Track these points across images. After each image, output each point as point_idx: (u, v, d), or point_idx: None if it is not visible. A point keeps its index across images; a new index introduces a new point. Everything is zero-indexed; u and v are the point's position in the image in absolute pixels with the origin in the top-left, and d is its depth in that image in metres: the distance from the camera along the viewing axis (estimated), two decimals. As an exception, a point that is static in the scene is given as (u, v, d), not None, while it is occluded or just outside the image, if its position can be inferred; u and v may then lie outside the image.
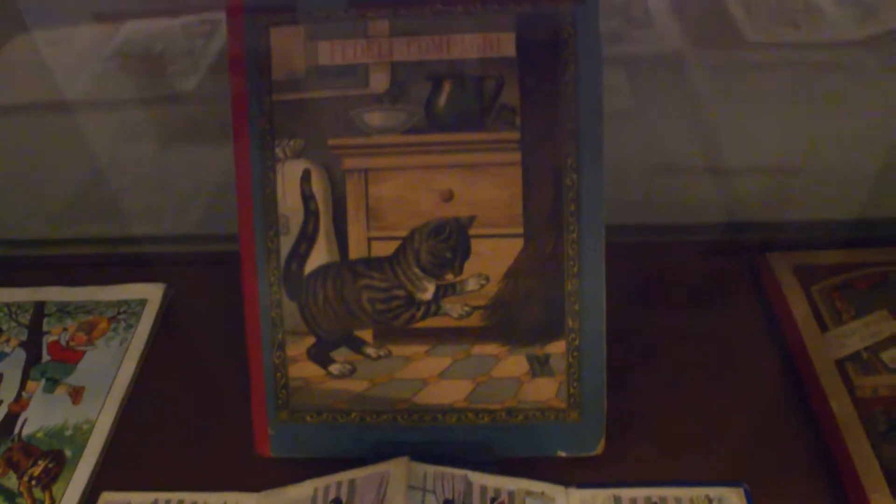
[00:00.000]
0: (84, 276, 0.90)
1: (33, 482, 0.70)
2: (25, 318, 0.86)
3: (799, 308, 0.76)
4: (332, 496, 0.63)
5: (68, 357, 0.82)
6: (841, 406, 0.68)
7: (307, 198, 0.66)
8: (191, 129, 0.96)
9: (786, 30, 0.84)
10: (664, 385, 0.73)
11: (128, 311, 0.85)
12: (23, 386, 0.79)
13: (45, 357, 0.82)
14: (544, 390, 0.66)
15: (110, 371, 0.80)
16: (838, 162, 0.90)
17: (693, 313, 0.80)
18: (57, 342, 0.83)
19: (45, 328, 0.85)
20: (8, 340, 0.84)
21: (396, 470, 0.63)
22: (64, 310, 0.87)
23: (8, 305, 0.88)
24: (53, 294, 0.89)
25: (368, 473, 0.64)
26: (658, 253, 0.87)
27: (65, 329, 0.84)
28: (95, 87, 0.93)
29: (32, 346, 0.83)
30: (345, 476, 0.64)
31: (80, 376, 0.79)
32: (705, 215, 0.93)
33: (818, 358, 0.72)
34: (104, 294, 0.88)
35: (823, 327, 0.75)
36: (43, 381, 0.79)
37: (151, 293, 0.87)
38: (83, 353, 0.82)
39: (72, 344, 0.83)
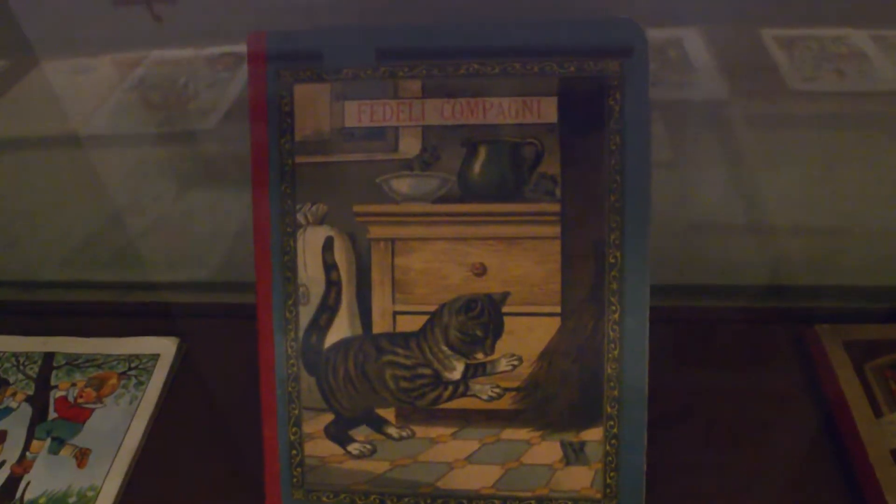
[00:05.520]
0: (96, 325, 0.87)
1: (33, 552, 0.66)
2: (33, 371, 0.83)
3: (851, 389, 0.71)
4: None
5: (76, 415, 0.78)
6: (898, 501, 0.63)
7: (329, 267, 0.62)
8: (211, 171, 0.93)
9: (830, 77, 0.80)
10: (705, 466, 0.69)
11: (139, 367, 0.82)
12: (27, 446, 0.76)
13: (52, 414, 0.79)
14: (579, 479, 0.62)
15: (118, 432, 0.76)
16: (891, 224, 0.85)
17: (735, 389, 0.75)
18: (65, 398, 0.80)
19: (53, 382, 0.82)
20: (14, 394, 0.81)
21: (418, 563, 0.59)
22: (73, 363, 0.83)
23: (17, 356, 0.85)
24: (63, 345, 0.85)
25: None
26: (698, 319, 0.83)
27: (73, 384, 0.81)
28: (113, 121, 0.90)
29: (39, 402, 0.80)
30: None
31: (86, 437, 0.76)
32: (747, 277, 0.89)
33: (872, 446, 0.67)
34: (116, 347, 0.84)
35: (878, 412, 0.70)
36: (48, 440, 0.76)
37: (164, 347, 0.84)
38: (91, 410, 0.78)
39: (80, 401, 0.79)
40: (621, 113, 0.59)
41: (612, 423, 0.61)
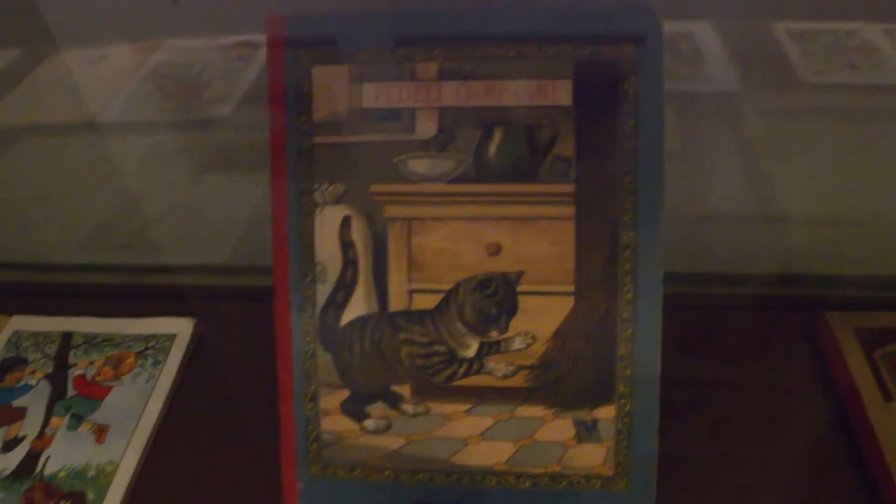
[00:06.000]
0: (113, 307, 0.88)
1: (53, 525, 0.68)
2: (52, 350, 0.84)
3: (861, 376, 0.71)
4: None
5: (94, 392, 0.79)
6: (908, 485, 0.63)
7: (346, 245, 0.63)
8: (225, 157, 0.94)
9: (842, 70, 0.80)
10: (715, 452, 0.70)
11: (156, 347, 0.83)
12: (47, 422, 0.77)
13: (71, 391, 0.80)
14: (591, 456, 0.63)
15: (136, 409, 0.77)
16: (902, 214, 0.86)
17: (745, 376, 0.76)
18: (83, 376, 0.81)
19: (71, 361, 0.83)
20: (34, 372, 0.82)
21: (431, 536, 0.60)
22: (91, 342, 0.84)
23: (35, 335, 0.86)
24: (81, 325, 0.86)
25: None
26: (710, 306, 0.83)
27: (91, 363, 0.82)
28: (129, 109, 0.91)
29: (58, 380, 0.81)
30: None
31: (105, 413, 0.77)
32: (758, 266, 0.89)
33: (883, 433, 0.67)
34: (133, 327, 0.85)
35: (888, 397, 0.70)
36: (67, 417, 0.77)
37: (181, 328, 0.85)
38: (109, 388, 0.80)
39: (98, 379, 0.80)
40: (636, 97, 0.59)
41: (624, 401, 0.61)
